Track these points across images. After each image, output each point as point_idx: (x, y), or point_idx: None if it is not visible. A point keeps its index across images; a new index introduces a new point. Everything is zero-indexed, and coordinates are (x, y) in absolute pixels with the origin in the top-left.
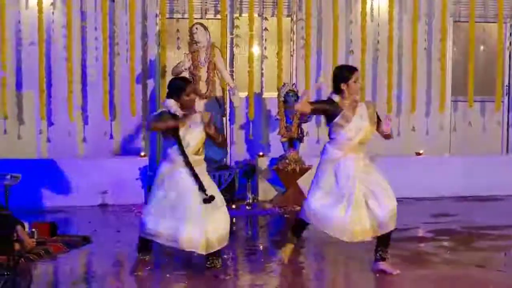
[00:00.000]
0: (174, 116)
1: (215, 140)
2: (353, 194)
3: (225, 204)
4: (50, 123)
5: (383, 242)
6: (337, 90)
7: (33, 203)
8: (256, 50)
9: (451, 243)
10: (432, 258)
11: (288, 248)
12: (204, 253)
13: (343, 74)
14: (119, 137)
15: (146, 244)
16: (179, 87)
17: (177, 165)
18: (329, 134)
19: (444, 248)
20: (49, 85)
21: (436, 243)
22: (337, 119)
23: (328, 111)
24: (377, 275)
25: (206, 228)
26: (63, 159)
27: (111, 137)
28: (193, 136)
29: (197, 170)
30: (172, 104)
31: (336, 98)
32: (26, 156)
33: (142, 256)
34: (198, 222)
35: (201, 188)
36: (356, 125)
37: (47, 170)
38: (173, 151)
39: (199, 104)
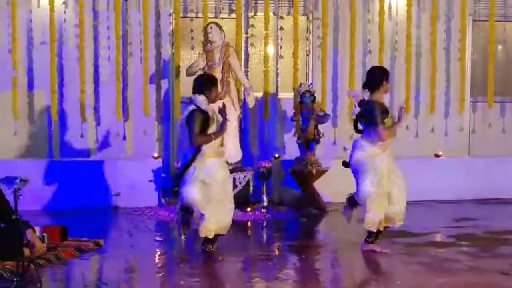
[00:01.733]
0: (204, 113)
1: None
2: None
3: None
4: (62, 124)
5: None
6: (375, 87)
7: (44, 206)
8: (271, 49)
9: (473, 249)
10: (454, 265)
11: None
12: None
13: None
14: (132, 138)
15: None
16: (210, 82)
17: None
18: (365, 133)
19: (466, 254)
20: (61, 85)
21: (457, 249)
22: (387, 119)
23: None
24: (398, 282)
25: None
26: (75, 161)
27: (124, 138)
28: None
29: (221, 161)
30: (202, 100)
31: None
32: (38, 158)
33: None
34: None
35: None
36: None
37: (58, 172)
38: None
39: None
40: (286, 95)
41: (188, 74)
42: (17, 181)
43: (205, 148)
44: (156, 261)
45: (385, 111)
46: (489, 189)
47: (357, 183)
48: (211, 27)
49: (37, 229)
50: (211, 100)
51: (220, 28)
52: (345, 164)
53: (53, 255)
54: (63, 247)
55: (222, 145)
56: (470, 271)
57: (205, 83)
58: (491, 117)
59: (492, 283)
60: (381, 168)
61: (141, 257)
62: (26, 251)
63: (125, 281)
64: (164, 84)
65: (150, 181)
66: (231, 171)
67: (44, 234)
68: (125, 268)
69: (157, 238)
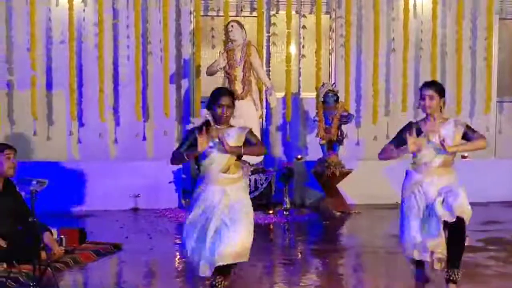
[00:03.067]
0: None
1: (252, 155)
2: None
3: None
4: (81, 124)
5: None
6: None
7: (63, 207)
8: (293, 48)
9: (503, 254)
10: (484, 271)
11: None
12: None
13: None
14: (152, 139)
15: None
16: (213, 96)
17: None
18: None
19: (496, 259)
20: (80, 84)
21: (486, 254)
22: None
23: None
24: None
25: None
26: (94, 162)
27: (144, 138)
28: (220, 153)
29: (227, 188)
30: (205, 114)
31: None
32: (56, 159)
33: None
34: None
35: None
36: (434, 147)
37: (77, 173)
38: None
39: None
40: (309, 95)
41: (209, 73)
42: (34, 182)
43: (203, 171)
44: (176, 265)
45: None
46: None
47: None
48: (232, 25)
49: (54, 231)
50: (217, 118)
51: (242, 26)
52: None
53: (70, 259)
54: (81, 250)
55: (227, 171)
56: (500, 277)
57: (210, 98)
58: None
59: None
60: None
61: (160, 261)
62: (43, 255)
63: (144, 286)
64: (185, 83)
65: (170, 182)
66: (253, 172)
67: (62, 236)
68: (144, 272)
69: (177, 241)
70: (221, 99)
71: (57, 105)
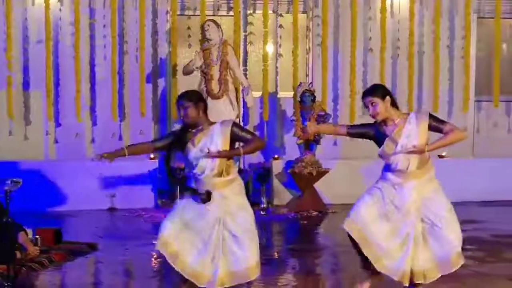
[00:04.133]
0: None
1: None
2: (411, 232)
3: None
4: (58, 124)
5: None
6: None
7: (39, 207)
8: (270, 48)
9: (479, 253)
10: (461, 270)
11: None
12: None
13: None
14: (129, 138)
15: None
16: (177, 100)
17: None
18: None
19: (472, 259)
20: (57, 84)
21: (464, 253)
22: (380, 150)
23: (373, 136)
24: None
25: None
26: (71, 161)
27: (120, 138)
28: (210, 160)
29: (223, 192)
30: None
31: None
32: (33, 158)
33: None
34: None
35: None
36: (403, 151)
37: (54, 173)
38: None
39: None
40: (286, 95)
41: (185, 72)
42: (8, 182)
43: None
44: (152, 264)
45: None
46: (493, 191)
47: None
48: (208, 25)
49: (29, 231)
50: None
51: (218, 25)
52: None
53: (46, 258)
54: (56, 250)
55: (221, 174)
56: (476, 276)
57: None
58: (496, 117)
59: None
60: None
61: (136, 261)
62: (18, 254)
63: (120, 285)
64: (161, 83)
65: (146, 182)
66: None
67: (37, 236)
68: (120, 271)
69: (153, 241)
70: (177, 102)
71: (34, 105)
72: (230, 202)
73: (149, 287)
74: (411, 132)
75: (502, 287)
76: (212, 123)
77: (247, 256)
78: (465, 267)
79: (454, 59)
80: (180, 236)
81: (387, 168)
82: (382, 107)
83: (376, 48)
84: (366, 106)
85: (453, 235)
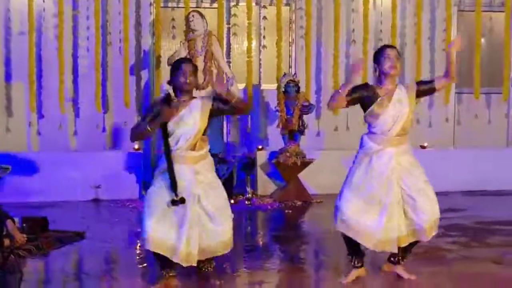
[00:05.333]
0: (168, 104)
1: (237, 107)
2: (388, 201)
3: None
4: (41, 116)
5: (406, 248)
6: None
7: (24, 198)
8: (254, 40)
9: (464, 239)
10: (447, 255)
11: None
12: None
13: (375, 54)
14: (112, 130)
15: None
16: (174, 67)
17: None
18: (368, 127)
19: (458, 244)
20: (40, 76)
21: (448, 239)
22: (370, 108)
23: (363, 98)
24: (383, 273)
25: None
26: (54, 153)
27: (104, 130)
28: (186, 129)
29: (194, 167)
30: (166, 89)
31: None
32: (16, 150)
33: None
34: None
35: (173, 188)
36: (393, 114)
37: (37, 164)
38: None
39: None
40: (270, 86)
41: (170, 63)
42: None
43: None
44: (138, 252)
45: None
46: (474, 181)
47: None
48: (193, 15)
49: (16, 220)
50: (180, 89)
51: (203, 16)
52: None
53: (33, 246)
54: (43, 238)
55: (195, 148)
56: (463, 260)
57: (170, 71)
58: (476, 108)
59: (487, 272)
60: None
61: (122, 248)
62: (6, 242)
63: (107, 272)
64: (145, 74)
65: (131, 173)
66: (214, 162)
67: (24, 225)
68: (106, 258)
69: (139, 230)
70: (183, 66)
71: (16, 97)
72: (203, 178)
73: (134, 273)
74: (402, 98)
75: (490, 270)
76: (193, 98)
77: (222, 230)
78: (451, 251)
79: (436, 51)
80: (164, 228)
81: (367, 136)
82: (399, 64)
83: (359, 40)
84: (385, 57)
85: (429, 206)
